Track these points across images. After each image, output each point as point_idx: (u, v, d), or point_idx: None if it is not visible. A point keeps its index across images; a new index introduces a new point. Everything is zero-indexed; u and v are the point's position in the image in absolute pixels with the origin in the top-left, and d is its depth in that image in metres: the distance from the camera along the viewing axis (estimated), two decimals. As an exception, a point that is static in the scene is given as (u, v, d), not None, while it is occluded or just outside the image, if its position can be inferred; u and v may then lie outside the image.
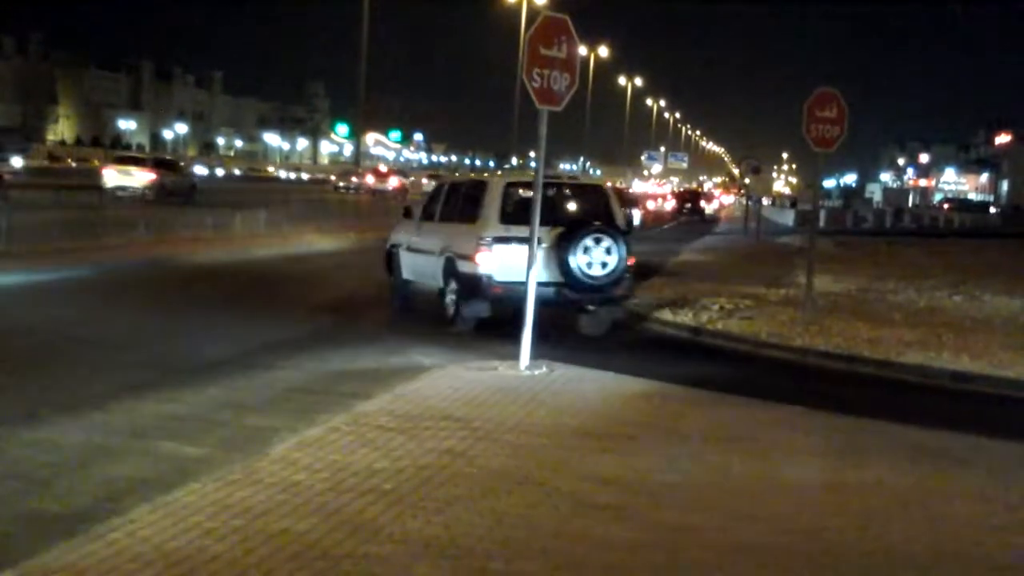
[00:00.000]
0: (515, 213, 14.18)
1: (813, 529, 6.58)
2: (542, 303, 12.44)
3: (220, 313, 15.34)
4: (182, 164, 56.27)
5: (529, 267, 11.62)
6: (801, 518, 6.80)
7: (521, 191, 14.68)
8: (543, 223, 12.34)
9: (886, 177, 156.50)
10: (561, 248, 13.90)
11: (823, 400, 10.72)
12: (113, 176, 43.80)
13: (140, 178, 43.40)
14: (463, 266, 14.31)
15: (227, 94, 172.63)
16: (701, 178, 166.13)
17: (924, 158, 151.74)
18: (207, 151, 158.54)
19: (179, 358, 11.77)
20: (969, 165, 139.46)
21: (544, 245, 13.51)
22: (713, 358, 13.88)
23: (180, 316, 15.23)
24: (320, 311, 16.41)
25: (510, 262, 13.75)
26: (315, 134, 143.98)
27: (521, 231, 12.96)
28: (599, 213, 14.71)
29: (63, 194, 37.28)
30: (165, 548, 5.64)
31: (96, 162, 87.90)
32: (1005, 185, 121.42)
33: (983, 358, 13.17)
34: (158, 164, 48.06)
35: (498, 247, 14.00)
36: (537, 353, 11.51)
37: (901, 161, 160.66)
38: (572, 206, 15.21)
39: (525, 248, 12.00)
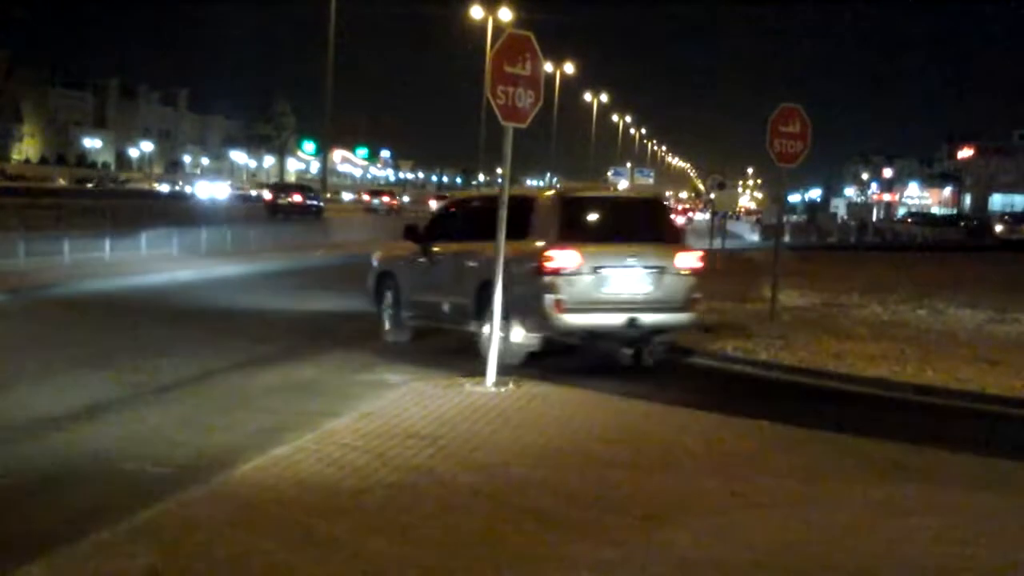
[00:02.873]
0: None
1: (780, 546, 6.60)
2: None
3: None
4: (313, 190, 66.25)
5: (494, 287, 11.58)
6: (769, 534, 6.81)
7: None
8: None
9: (850, 192, 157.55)
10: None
11: (788, 414, 10.76)
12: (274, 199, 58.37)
13: (294, 199, 58.46)
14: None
15: (193, 112, 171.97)
16: (667, 193, 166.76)
17: (888, 172, 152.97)
18: (173, 169, 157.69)
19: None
20: (932, 179, 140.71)
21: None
22: (678, 373, 13.89)
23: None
24: (289, 331, 16.34)
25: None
26: (282, 151, 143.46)
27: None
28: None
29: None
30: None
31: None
32: (968, 199, 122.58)
33: (947, 372, 13.26)
34: (300, 188, 65.66)
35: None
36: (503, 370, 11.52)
37: (865, 176, 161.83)
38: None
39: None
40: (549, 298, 12.49)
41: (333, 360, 13.42)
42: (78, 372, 11.96)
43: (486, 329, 11.98)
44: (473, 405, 10.36)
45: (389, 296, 15.37)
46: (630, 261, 12.87)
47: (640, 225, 13.82)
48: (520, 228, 12.45)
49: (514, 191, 12.42)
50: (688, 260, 13.44)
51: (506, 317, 12.35)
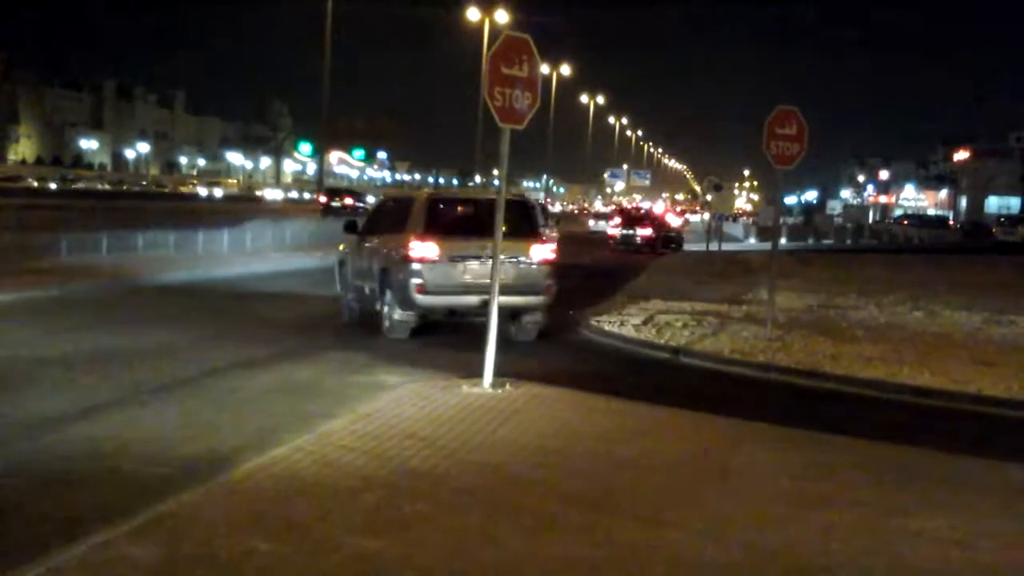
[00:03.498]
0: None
1: (777, 546, 6.62)
2: None
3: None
4: (360, 194, 75.00)
5: (493, 281, 11.62)
6: (765, 535, 6.83)
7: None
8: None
9: (847, 194, 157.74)
10: None
11: (785, 416, 10.78)
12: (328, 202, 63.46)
13: (346, 202, 65.20)
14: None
15: (189, 113, 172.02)
16: (663, 195, 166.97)
17: (884, 175, 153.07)
18: (170, 170, 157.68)
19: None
20: (928, 181, 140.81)
21: None
22: (675, 375, 13.93)
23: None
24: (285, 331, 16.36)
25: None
26: (278, 153, 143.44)
27: None
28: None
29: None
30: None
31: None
32: (964, 201, 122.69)
33: (944, 374, 13.28)
34: (350, 192, 74.19)
35: None
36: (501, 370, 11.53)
37: (861, 178, 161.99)
38: None
39: None
40: (413, 282, 14.96)
41: (331, 361, 13.43)
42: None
43: (386, 308, 15.34)
44: (470, 406, 10.37)
45: (342, 281, 17.94)
46: (486, 252, 13.93)
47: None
48: (402, 223, 15.63)
49: (413, 193, 16.02)
50: (541, 252, 15.65)
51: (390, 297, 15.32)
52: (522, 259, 15.33)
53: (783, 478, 8.27)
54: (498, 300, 11.78)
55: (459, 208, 16.49)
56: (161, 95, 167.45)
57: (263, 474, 7.60)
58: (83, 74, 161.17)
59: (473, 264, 14.99)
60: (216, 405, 10.53)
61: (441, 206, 16.03)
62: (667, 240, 49.84)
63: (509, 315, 15.10)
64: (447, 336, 15.72)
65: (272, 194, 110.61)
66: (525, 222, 15.73)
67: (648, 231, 49.01)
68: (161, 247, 29.25)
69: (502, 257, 12.43)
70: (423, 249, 14.99)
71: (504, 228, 12.56)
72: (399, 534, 6.41)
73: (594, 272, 31.95)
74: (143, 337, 14.67)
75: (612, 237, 49.68)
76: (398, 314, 15.19)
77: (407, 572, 5.81)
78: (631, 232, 48.83)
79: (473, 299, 14.57)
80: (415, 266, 14.92)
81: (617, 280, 27.38)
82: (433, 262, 14.98)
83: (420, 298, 14.91)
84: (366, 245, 16.78)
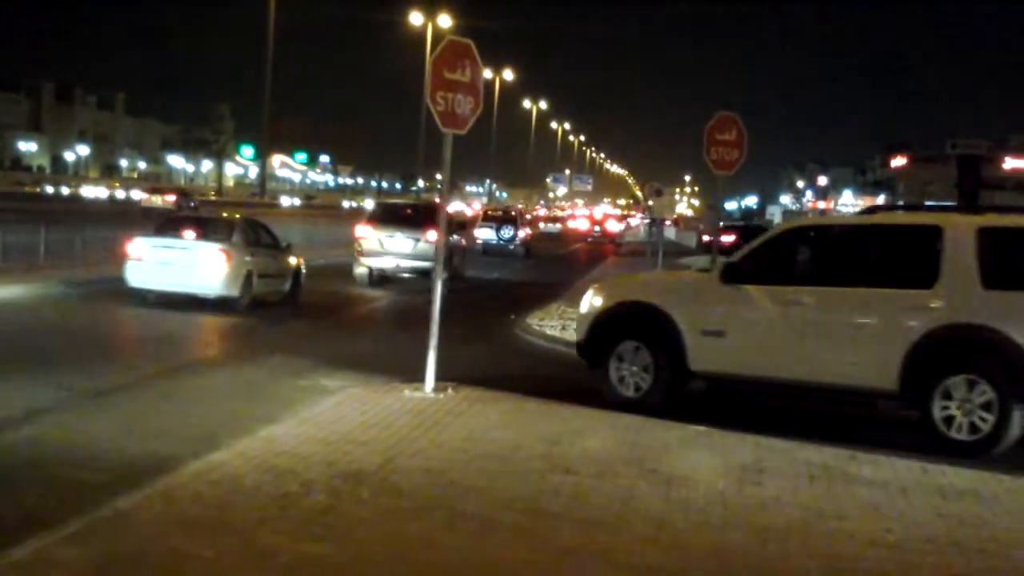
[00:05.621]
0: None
1: (713, 547, 6.69)
2: None
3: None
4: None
5: (434, 291, 11.68)
6: (701, 537, 6.91)
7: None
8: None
9: (786, 199, 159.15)
10: None
11: (724, 419, 10.87)
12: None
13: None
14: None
15: (130, 115, 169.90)
16: (604, 200, 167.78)
17: (823, 180, 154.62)
18: (110, 173, 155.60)
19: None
20: (866, 187, 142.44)
21: None
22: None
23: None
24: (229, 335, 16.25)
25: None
26: (220, 156, 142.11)
27: None
28: None
29: None
30: None
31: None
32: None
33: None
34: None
35: None
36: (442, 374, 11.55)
37: (800, 183, 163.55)
38: None
39: None
40: (357, 249, 25.98)
41: (274, 366, 13.37)
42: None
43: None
44: (412, 410, 10.37)
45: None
46: (397, 234, 25.46)
47: (412, 217, 26.75)
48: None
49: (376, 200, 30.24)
50: (431, 236, 23.55)
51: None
52: (420, 239, 25.08)
53: (720, 480, 8.36)
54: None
55: (395, 208, 29.76)
56: (101, 97, 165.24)
57: (203, 479, 7.54)
58: (21, 76, 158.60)
59: (392, 239, 25.50)
60: (156, 409, 10.44)
61: (382, 207, 30.44)
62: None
63: (423, 274, 23.78)
64: (390, 342, 15.70)
65: (94, 193, 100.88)
66: (426, 217, 25.09)
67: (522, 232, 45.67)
68: None
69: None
70: (364, 231, 25.99)
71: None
72: (340, 539, 6.41)
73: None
74: None
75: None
76: (358, 269, 26.01)
77: (347, 576, 5.81)
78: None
79: (392, 262, 25.62)
80: (359, 241, 26.01)
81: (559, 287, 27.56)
82: (368, 238, 25.73)
83: (361, 259, 25.83)
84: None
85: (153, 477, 7.61)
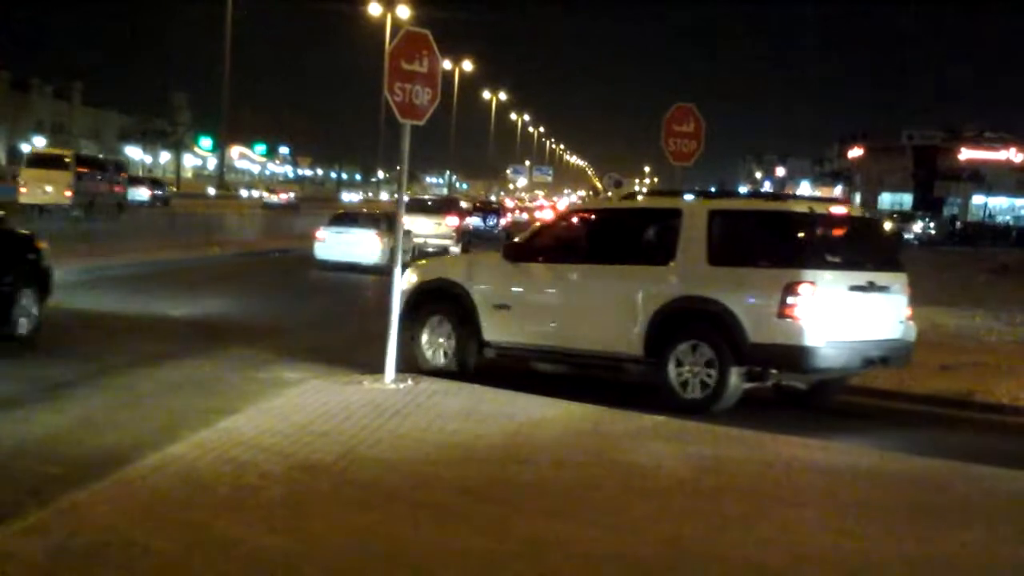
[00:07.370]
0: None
1: (675, 537, 6.73)
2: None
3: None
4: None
5: (394, 281, 11.69)
6: (662, 526, 6.95)
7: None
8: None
9: (744, 190, 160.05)
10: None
11: (680, 410, 10.94)
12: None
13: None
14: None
15: (87, 105, 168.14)
16: (566, 191, 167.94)
17: (780, 171, 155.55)
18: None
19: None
20: (823, 178, 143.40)
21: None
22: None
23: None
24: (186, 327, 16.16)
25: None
26: (178, 147, 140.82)
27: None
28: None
29: None
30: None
31: None
32: (858, 197, 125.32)
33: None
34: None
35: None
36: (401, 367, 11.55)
37: (758, 174, 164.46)
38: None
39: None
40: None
41: (233, 358, 13.30)
42: None
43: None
44: (372, 402, 10.36)
45: None
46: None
47: (365, 218, 31.70)
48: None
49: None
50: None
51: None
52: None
53: (682, 470, 8.41)
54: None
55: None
56: (57, 87, 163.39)
57: (161, 471, 7.51)
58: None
59: (346, 238, 29.34)
60: (115, 402, 10.37)
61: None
62: None
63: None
64: (349, 334, 15.67)
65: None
66: (383, 218, 30.31)
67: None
68: None
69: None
70: (323, 233, 29.80)
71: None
72: (299, 530, 6.40)
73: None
74: None
75: None
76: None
77: (307, 569, 5.80)
78: None
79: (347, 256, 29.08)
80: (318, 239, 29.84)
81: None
82: (326, 239, 29.55)
83: (318, 256, 29.52)
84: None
85: (111, 470, 7.55)
